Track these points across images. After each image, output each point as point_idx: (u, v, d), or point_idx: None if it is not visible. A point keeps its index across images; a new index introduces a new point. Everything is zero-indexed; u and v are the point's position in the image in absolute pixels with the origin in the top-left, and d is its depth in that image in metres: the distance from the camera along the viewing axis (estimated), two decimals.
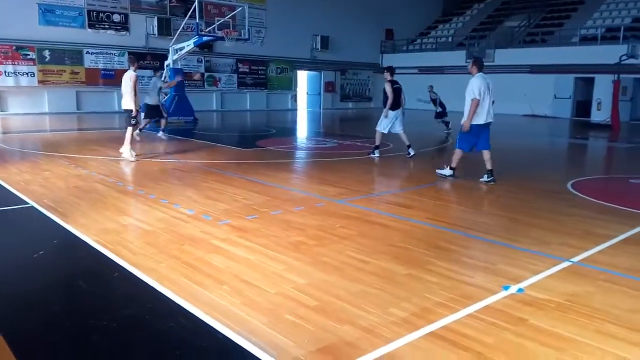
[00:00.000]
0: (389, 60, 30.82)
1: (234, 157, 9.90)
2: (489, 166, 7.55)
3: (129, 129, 9.20)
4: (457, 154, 7.74)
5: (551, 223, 5.49)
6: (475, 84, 7.28)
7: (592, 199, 6.70)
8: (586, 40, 24.10)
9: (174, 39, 17.69)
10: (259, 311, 3.20)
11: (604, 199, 6.69)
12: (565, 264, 4.19)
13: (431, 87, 15.75)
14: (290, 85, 27.42)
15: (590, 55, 22.23)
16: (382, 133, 9.81)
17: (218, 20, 17.45)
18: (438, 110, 15.08)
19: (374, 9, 29.86)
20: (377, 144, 9.95)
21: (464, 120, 7.40)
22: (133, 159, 8.95)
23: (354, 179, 8.01)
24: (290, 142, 13.48)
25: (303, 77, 28.56)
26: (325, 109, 28.07)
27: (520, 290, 3.62)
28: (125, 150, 9.08)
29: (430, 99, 15.22)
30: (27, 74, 19.12)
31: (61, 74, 19.91)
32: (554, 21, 27.32)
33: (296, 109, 27.22)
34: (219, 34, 16.96)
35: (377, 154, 9.87)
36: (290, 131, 17.28)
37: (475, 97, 7.20)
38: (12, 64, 18.74)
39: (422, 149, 11.60)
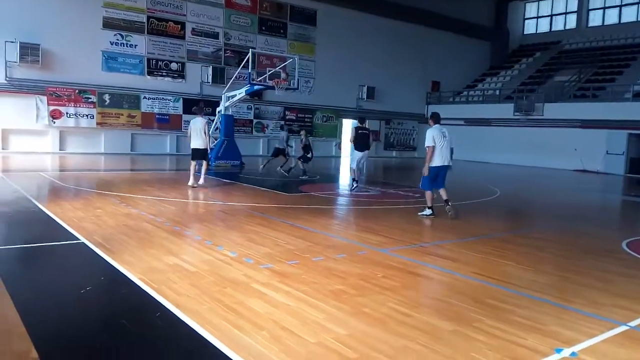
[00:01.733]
0: (434, 110, 30.97)
1: (277, 202, 10.01)
2: (445, 197, 8.68)
3: (194, 163, 11.26)
4: (428, 194, 8.80)
5: (605, 283, 5.21)
6: (430, 134, 8.52)
7: None
8: (639, 96, 23.48)
9: (227, 87, 18.45)
10: None
11: None
12: (622, 328, 3.93)
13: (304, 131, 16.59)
14: (335, 133, 27.81)
15: None
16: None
17: (269, 70, 18.11)
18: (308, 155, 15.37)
19: (421, 61, 30.31)
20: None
21: (425, 167, 8.72)
22: (197, 185, 11.16)
23: (397, 228, 7.91)
24: (333, 188, 13.55)
25: (348, 125, 28.92)
26: (368, 157, 28.18)
27: (573, 354, 3.41)
28: (201, 179, 11.40)
29: (303, 143, 15.63)
30: (87, 115, 20.25)
31: (119, 117, 20.97)
32: (605, 76, 26.85)
33: (340, 156, 27.46)
34: (270, 83, 17.56)
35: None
36: (334, 178, 17.39)
37: (430, 145, 8.49)
38: (74, 106, 19.93)
39: (465, 201, 11.40)
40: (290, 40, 25.65)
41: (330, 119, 27.48)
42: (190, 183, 11.21)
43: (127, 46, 21.09)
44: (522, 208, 12.16)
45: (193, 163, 11.31)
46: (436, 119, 8.82)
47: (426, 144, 8.55)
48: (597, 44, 30.49)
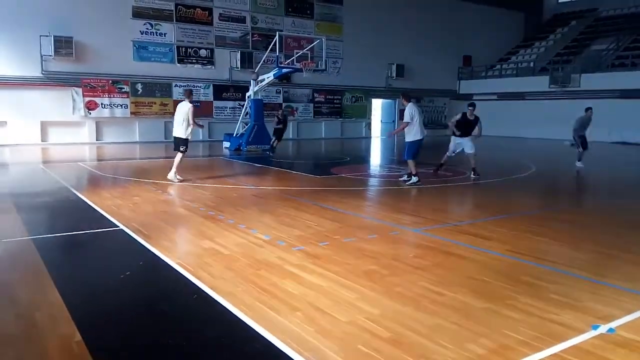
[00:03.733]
0: (466, 86, 30.32)
1: (308, 184, 10.07)
2: (414, 171, 9.66)
3: (179, 154, 9.93)
4: (411, 163, 9.70)
5: None
6: (408, 111, 9.58)
7: None
8: None
9: (256, 71, 18.50)
10: (332, 340, 3.20)
11: None
12: None
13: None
14: (364, 114, 27.60)
15: None
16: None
17: (297, 53, 18.05)
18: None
19: (451, 36, 29.59)
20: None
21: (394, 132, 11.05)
22: (177, 181, 9.69)
23: (429, 207, 7.86)
24: (364, 169, 13.52)
25: (378, 105, 28.69)
26: (399, 137, 27.90)
27: (611, 330, 3.35)
28: (171, 174, 9.82)
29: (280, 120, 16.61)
30: (121, 105, 20.70)
31: (151, 106, 21.36)
32: None
33: (370, 137, 27.29)
34: (298, 65, 17.51)
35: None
36: (364, 159, 17.33)
37: (406, 121, 9.59)
38: (109, 97, 20.39)
39: (499, 178, 11.22)
40: (317, 21, 25.42)
41: (360, 100, 27.26)
42: (169, 176, 9.81)
43: (156, 35, 21.35)
44: (558, 184, 11.87)
45: (180, 155, 9.96)
46: (408, 97, 9.82)
47: (405, 120, 9.61)
48: (637, 9, 29.02)
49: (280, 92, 24.41)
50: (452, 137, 11.23)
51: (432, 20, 28.76)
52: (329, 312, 3.62)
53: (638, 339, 3.23)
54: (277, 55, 17.13)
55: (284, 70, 17.32)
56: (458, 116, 11.10)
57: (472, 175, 10.85)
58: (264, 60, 18.83)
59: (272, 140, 16.48)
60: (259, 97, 18.27)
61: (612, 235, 6.17)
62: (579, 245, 5.65)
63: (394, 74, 27.64)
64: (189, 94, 10.47)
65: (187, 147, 9.93)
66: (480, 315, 3.61)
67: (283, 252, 5.12)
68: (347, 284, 4.22)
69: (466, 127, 10.94)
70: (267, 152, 16.06)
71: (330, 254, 5.04)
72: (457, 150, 11.14)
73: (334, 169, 12.55)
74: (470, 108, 10.91)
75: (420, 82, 28.37)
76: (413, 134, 9.66)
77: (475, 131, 10.97)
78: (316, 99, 25.62)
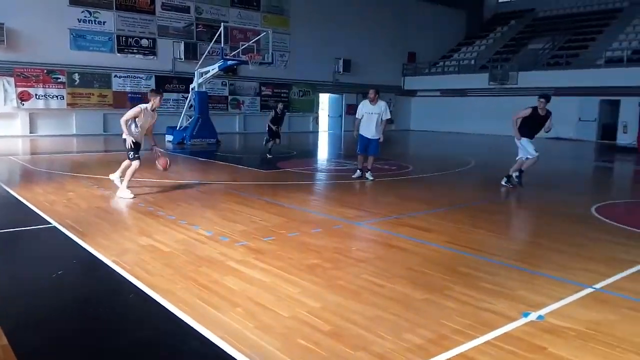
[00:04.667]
0: (411, 83, 30.96)
1: (253, 179, 9.98)
2: (369, 166, 9.76)
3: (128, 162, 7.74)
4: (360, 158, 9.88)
5: (574, 248, 5.37)
6: (359, 109, 9.72)
7: (617, 224, 6.53)
8: (611, 62, 23.77)
9: (200, 63, 18.11)
10: (272, 335, 3.18)
11: (629, 224, 6.51)
12: (588, 291, 4.07)
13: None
14: (312, 108, 27.65)
15: (615, 78, 21.92)
16: None
17: (242, 45, 17.79)
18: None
19: (397, 32, 30.10)
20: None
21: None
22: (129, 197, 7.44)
23: (373, 201, 7.98)
24: (310, 164, 13.54)
25: (325, 100, 28.81)
26: (346, 131, 28.13)
27: (540, 317, 3.52)
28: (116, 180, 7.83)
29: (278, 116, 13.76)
30: (56, 96, 19.72)
31: (89, 97, 20.48)
32: (578, 44, 27.07)
33: (317, 131, 27.38)
34: (244, 58, 17.28)
35: None
36: (311, 153, 17.37)
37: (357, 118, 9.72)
38: (43, 87, 19.37)
39: (440, 172, 11.53)
40: (264, 13, 25.19)
41: (307, 94, 27.28)
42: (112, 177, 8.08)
43: (95, 23, 20.46)
44: (495, 177, 12.33)
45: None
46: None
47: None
48: (571, 10, 30.60)
49: (226, 84, 24.04)
50: (521, 139, 9.07)
51: (378, 16, 29.14)
52: (271, 308, 3.60)
53: (564, 324, 3.41)
54: (223, 47, 16.84)
55: (229, 62, 17.07)
56: (526, 111, 8.90)
57: (505, 183, 9.35)
58: (208, 52, 18.44)
59: (267, 140, 13.66)
60: (204, 90, 17.92)
61: (545, 226, 6.49)
62: (514, 236, 5.91)
63: (340, 69, 27.83)
64: (150, 94, 7.86)
65: (134, 152, 7.56)
66: (418, 306, 3.70)
67: (225, 247, 5.04)
68: (290, 278, 4.21)
69: (533, 125, 8.88)
70: (266, 155, 13.32)
71: (274, 249, 5.02)
72: (526, 155, 9.12)
73: (280, 163, 12.50)
74: (542, 100, 8.73)
75: (366, 77, 28.69)
76: (362, 129, 9.68)
77: (547, 125, 8.83)
78: (263, 93, 25.42)
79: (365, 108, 9.59)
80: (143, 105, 7.60)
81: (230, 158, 13.54)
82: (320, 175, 11.42)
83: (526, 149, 9.02)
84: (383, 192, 8.73)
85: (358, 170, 9.89)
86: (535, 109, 8.82)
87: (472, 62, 30.18)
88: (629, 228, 6.34)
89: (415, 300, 3.79)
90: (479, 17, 35.12)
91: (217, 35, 17.16)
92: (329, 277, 4.24)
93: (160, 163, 8.06)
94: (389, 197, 8.36)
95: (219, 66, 16.86)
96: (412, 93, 30.84)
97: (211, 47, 18.46)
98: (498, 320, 3.46)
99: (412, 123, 31.00)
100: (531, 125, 8.89)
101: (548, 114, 8.88)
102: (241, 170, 11.45)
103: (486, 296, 3.89)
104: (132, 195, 7.43)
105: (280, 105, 14.06)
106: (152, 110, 7.65)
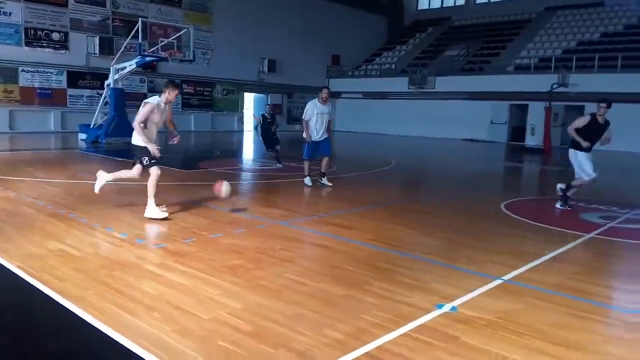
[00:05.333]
0: (335, 84, 31.43)
1: (174, 179, 9.66)
2: (324, 169, 9.20)
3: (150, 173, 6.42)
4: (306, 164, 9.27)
5: (485, 243, 5.68)
6: (309, 110, 8.98)
7: (524, 219, 7.00)
8: (521, 69, 25.51)
9: (116, 58, 17.30)
10: (191, 338, 3.09)
11: (534, 219, 7.00)
12: (497, 282, 4.32)
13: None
14: (236, 107, 27.31)
15: (524, 84, 23.51)
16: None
17: (162, 41, 17.19)
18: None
19: (321, 35, 30.44)
20: None
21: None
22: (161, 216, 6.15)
23: (298, 201, 8.00)
24: (234, 163, 13.35)
25: (250, 99, 28.57)
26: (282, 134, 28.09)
27: (453, 308, 3.69)
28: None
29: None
30: None
31: None
32: (490, 51, 28.77)
33: (243, 131, 27.08)
34: (163, 54, 16.71)
35: None
36: (236, 153, 17.14)
37: (304, 119, 9.05)
38: None
39: (361, 172, 11.79)
40: (186, 10, 24.54)
41: (232, 93, 26.91)
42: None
43: (1, 14, 18.93)
44: (414, 177, 12.82)
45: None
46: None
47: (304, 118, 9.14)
48: (484, 20, 32.44)
49: (144, 81, 23.16)
50: (574, 152, 7.64)
51: (303, 17, 29.34)
52: (190, 311, 3.50)
53: (475, 314, 3.60)
54: (140, 43, 16.18)
55: (148, 58, 16.43)
56: (585, 119, 7.56)
57: (561, 206, 7.83)
58: (125, 47, 17.64)
59: (272, 150, 12.24)
60: (120, 86, 17.13)
61: (459, 223, 6.81)
62: (432, 232, 6.15)
63: (265, 69, 27.71)
64: (166, 86, 6.41)
65: (150, 159, 6.33)
66: (339, 302, 3.75)
67: (142, 250, 4.84)
68: (211, 280, 4.11)
69: (590, 136, 7.45)
70: (277, 164, 12.00)
71: (194, 251, 4.88)
72: (580, 173, 7.66)
73: (202, 163, 12.22)
74: (603, 105, 7.41)
75: (292, 78, 28.85)
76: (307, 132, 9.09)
77: (606, 135, 7.56)
78: (185, 90, 24.74)
79: (317, 109, 9.00)
80: (154, 101, 6.24)
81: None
82: (245, 175, 11.29)
83: (583, 167, 7.55)
84: (307, 192, 8.78)
85: (308, 177, 9.18)
86: (594, 115, 7.48)
87: (393, 66, 31.19)
88: (534, 223, 6.82)
89: (336, 297, 3.84)
90: (400, 23, 36.35)
91: (134, 30, 16.46)
92: (251, 278, 4.20)
93: (216, 188, 6.73)
94: (313, 196, 8.42)
95: (136, 62, 16.19)
96: (336, 95, 31.29)
97: (128, 43, 17.68)
98: (414, 312, 3.58)
99: (336, 124, 31.46)
100: (587, 136, 7.42)
101: (607, 123, 7.55)
102: (161, 170, 11.01)
103: (404, 290, 4.02)
104: (165, 215, 6.05)
105: (267, 108, 12.95)
106: (165, 104, 6.39)
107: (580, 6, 28.65)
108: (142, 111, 6.19)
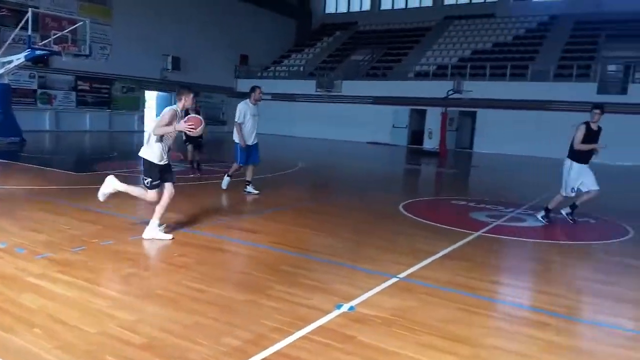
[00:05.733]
0: (243, 85, 31.10)
1: (65, 183, 9.00)
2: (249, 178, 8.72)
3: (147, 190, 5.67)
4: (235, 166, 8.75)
5: (384, 242, 5.89)
6: (241, 111, 8.49)
7: (420, 219, 7.35)
8: (420, 75, 26.88)
9: (2, 51, 15.78)
10: (75, 354, 2.88)
11: (430, 219, 7.38)
12: (393, 280, 4.49)
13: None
14: (137, 106, 26.07)
15: (423, 90, 24.81)
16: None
17: (54, 34, 15.96)
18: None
19: (229, 34, 29.97)
20: None
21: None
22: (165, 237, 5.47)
23: (201, 204, 7.78)
24: (134, 165, 12.69)
25: (153, 98, 27.44)
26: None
27: (351, 308, 3.77)
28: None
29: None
30: None
31: None
32: (393, 57, 30.00)
33: (144, 131, 25.90)
34: (55, 48, 15.54)
35: None
36: (136, 154, 16.31)
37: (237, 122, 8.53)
38: None
39: (268, 174, 11.77)
40: (82, 2, 22.97)
41: (132, 90, 25.64)
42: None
43: None
44: (321, 179, 13.02)
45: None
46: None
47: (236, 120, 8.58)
48: (388, 26, 33.74)
49: (34, 76, 21.37)
50: (570, 164, 7.35)
51: (211, 15, 28.71)
52: (75, 325, 3.25)
53: (372, 313, 3.70)
54: (30, 35, 14.92)
55: (38, 52, 15.20)
56: (581, 129, 7.23)
57: (568, 215, 7.54)
58: (13, 39, 16.15)
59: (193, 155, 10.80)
60: (6, 82, 15.67)
61: (361, 224, 7.00)
62: (335, 234, 6.25)
63: (169, 66, 26.75)
64: (180, 92, 5.74)
65: (153, 181, 5.53)
66: (239, 308, 3.68)
67: (23, 261, 4.43)
68: (101, 291, 3.86)
69: (590, 143, 7.24)
70: (195, 175, 10.61)
71: (83, 260, 4.56)
72: (577, 186, 7.33)
73: (99, 165, 11.51)
74: (596, 112, 7.21)
75: (198, 76, 28.05)
76: (237, 135, 8.49)
77: (599, 145, 7.27)
78: (80, 87, 23.20)
79: (250, 110, 8.43)
80: (173, 108, 5.51)
81: (38, 159, 12.03)
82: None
83: (573, 179, 7.28)
84: (211, 195, 8.58)
85: (250, 186, 8.69)
86: (588, 124, 7.24)
87: (301, 68, 31.50)
88: (429, 222, 7.19)
89: (237, 303, 3.78)
90: (308, 26, 36.81)
91: (24, 21, 15.14)
92: (146, 287, 4.00)
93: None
94: (217, 200, 8.24)
95: (25, 56, 14.91)
96: (245, 95, 30.91)
97: (17, 35, 16.21)
98: (314, 314, 3.61)
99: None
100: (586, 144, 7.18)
101: (599, 129, 7.33)
102: (49, 173, 10.22)
103: (305, 292, 4.05)
104: (170, 236, 5.44)
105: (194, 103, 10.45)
106: (181, 112, 5.66)
107: (475, 17, 30.79)
108: (165, 117, 5.37)
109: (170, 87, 27.22)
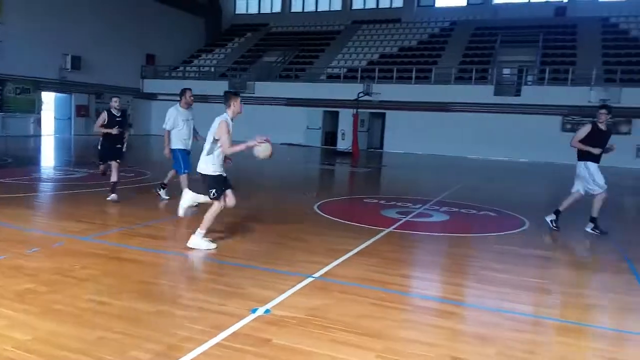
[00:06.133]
0: (151, 85, 29.87)
1: None
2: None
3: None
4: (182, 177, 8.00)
5: (300, 243, 5.93)
6: (172, 116, 7.89)
7: (334, 218, 7.48)
8: (332, 78, 27.38)
9: None
10: None
11: (343, 218, 7.53)
12: (309, 280, 4.52)
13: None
14: (33, 108, 24.14)
15: (335, 92, 25.32)
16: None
17: None
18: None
19: (134, 32, 28.65)
20: None
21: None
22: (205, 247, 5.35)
23: (105, 211, 7.37)
24: (30, 172, 11.77)
25: (50, 100, 25.60)
26: (77, 135, 25.50)
27: (267, 311, 3.74)
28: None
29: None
30: None
31: None
32: (306, 59, 30.29)
33: (40, 135, 24.09)
34: None
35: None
36: (32, 160, 15.15)
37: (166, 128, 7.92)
38: None
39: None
40: None
41: (26, 92, 23.71)
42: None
43: None
44: (234, 181, 12.82)
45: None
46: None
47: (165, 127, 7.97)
48: (299, 28, 34.00)
49: None
50: (585, 164, 7.08)
51: (114, 12, 27.29)
52: None
53: (287, 314, 3.70)
54: None
55: None
56: (585, 128, 7.07)
57: (592, 230, 7.12)
58: None
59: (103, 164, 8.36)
60: None
61: (277, 226, 6.98)
62: (251, 237, 6.18)
63: (69, 66, 25.06)
64: (228, 97, 5.61)
65: (218, 190, 5.45)
66: (148, 320, 3.52)
67: None
68: None
69: (599, 143, 7.00)
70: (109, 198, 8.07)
71: None
72: (591, 187, 7.05)
73: None
74: (602, 112, 6.98)
75: (101, 77, 26.62)
76: (175, 141, 7.88)
77: (611, 147, 7.11)
78: None
79: (180, 115, 7.90)
80: (225, 118, 5.45)
81: None
82: (43, 186, 10.01)
83: (596, 179, 7.00)
84: (116, 202, 8.13)
85: (163, 190, 8.28)
86: (595, 123, 7.05)
87: (212, 69, 30.87)
88: (344, 221, 7.33)
89: (145, 314, 3.61)
90: (218, 26, 36.14)
91: None
92: (44, 303, 3.71)
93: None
94: (123, 206, 7.83)
95: None
96: (152, 96, 29.80)
97: None
98: (228, 320, 3.54)
99: (152, 127, 29.92)
100: (594, 145, 6.96)
101: (609, 130, 7.16)
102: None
103: (218, 298, 3.96)
104: (214, 246, 5.35)
105: (114, 100, 8.25)
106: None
107: (382, 21, 31.87)
108: (222, 129, 5.33)
109: (69, 88, 25.54)
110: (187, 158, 7.91)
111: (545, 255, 6.07)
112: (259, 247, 5.73)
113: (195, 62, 32.76)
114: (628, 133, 21.34)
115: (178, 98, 8.10)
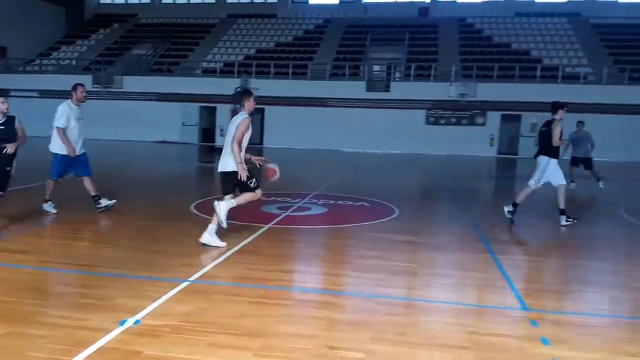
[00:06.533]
0: (2, 81, 26.69)
1: None
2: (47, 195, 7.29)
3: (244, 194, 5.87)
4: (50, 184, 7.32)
5: (174, 246, 5.68)
6: (64, 114, 7.22)
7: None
8: (208, 72, 26.65)
9: None
10: None
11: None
12: (184, 285, 4.34)
13: None
14: None
15: (211, 87, 24.65)
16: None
17: None
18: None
19: None
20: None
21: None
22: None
23: None
24: None
25: None
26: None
27: (137, 322, 3.52)
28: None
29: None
30: None
31: None
32: (179, 52, 29.11)
33: None
34: None
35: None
36: None
37: (59, 126, 7.16)
38: None
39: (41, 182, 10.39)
40: None
41: None
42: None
43: None
44: (103, 183, 11.96)
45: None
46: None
47: (56, 124, 7.17)
48: (170, 20, 32.51)
49: None
50: (548, 160, 7.40)
51: None
52: None
53: (160, 323, 3.51)
54: None
55: None
56: (559, 126, 7.32)
57: (508, 214, 7.55)
58: None
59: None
60: None
61: (147, 229, 6.61)
62: (119, 243, 5.78)
63: None
64: (242, 97, 5.89)
65: (255, 178, 5.87)
66: None
67: None
68: None
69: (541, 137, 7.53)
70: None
71: None
72: (537, 177, 7.52)
73: None
74: (563, 110, 7.38)
75: None
76: (59, 144, 7.13)
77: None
78: None
79: (73, 113, 7.18)
80: (244, 116, 5.64)
81: None
82: None
83: (554, 173, 7.37)
84: None
85: (49, 203, 7.20)
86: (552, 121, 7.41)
87: (74, 62, 28.46)
88: None
89: None
90: (80, 16, 33.33)
91: None
92: None
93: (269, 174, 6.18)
94: None
95: None
96: (4, 92, 26.55)
97: None
98: (93, 335, 3.26)
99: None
100: (549, 140, 7.31)
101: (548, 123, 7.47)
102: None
103: (82, 313, 3.63)
104: (224, 244, 5.66)
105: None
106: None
107: (257, 16, 31.70)
108: (242, 127, 5.51)
109: None
110: (76, 162, 7.25)
111: (413, 240, 6.47)
112: (130, 254, 5.38)
113: (55, 54, 29.90)
114: (483, 124, 23.63)
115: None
